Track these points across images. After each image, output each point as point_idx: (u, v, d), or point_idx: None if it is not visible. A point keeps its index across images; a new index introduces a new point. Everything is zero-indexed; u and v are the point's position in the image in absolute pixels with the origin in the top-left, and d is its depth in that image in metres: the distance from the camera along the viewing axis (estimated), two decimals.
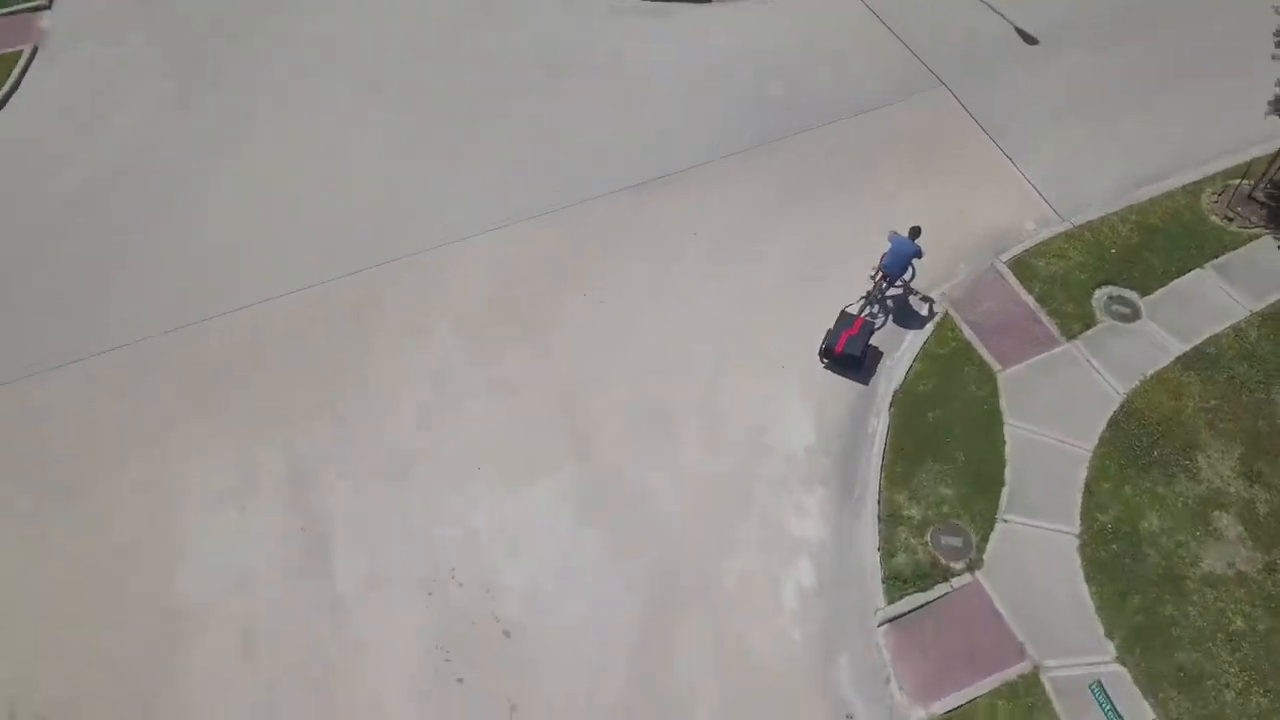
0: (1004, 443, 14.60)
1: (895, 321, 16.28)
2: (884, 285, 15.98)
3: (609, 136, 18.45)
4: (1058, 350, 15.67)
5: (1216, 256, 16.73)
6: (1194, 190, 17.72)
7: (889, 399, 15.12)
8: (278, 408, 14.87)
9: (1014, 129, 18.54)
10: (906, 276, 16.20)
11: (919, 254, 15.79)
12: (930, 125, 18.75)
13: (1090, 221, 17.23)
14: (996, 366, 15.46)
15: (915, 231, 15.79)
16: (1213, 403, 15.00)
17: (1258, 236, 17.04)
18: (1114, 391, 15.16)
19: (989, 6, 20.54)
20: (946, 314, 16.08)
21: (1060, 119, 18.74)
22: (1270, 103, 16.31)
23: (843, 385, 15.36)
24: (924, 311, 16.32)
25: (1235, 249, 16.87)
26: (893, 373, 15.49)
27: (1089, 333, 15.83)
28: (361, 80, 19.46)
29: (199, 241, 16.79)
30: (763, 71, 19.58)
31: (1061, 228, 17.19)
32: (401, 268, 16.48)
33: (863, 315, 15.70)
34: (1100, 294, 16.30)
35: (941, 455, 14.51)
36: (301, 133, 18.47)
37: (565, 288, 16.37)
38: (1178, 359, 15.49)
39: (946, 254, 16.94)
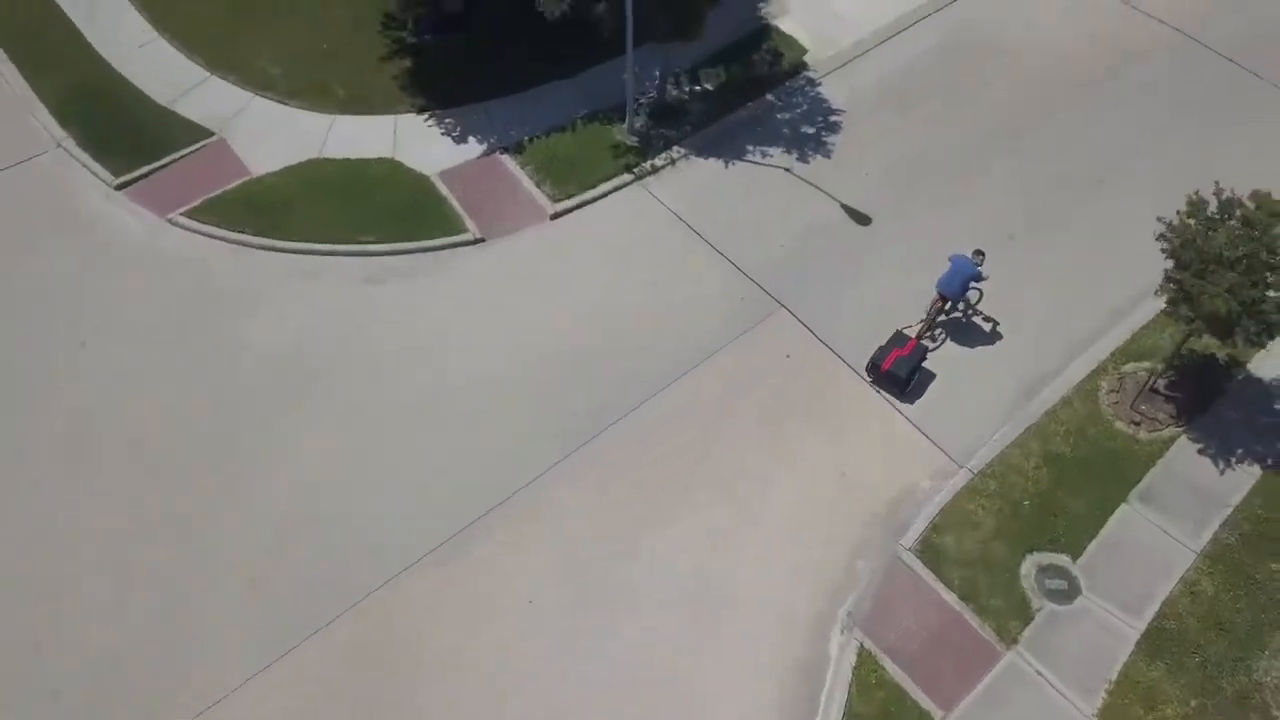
0: None
1: (954, 342, 15.71)
2: (943, 307, 15.43)
3: (391, 478, 14.09)
4: (1001, 665, 12.80)
5: (1138, 481, 14.29)
6: (1089, 390, 15.24)
7: None
8: None
9: (871, 348, 15.44)
10: (973, 299, 15.73)
11: (979, 277, 15.28)
12: (776, 363, 15.47)
13: (991, 463, 14.45)
14: (939, 713, 12.38)
15: (979, 254, 15.28)
16: (1194, 703, 12.43)
17: (1172, 440, 14.71)
18: (1081, 715, 12.35)
19: (812, 185, 17.48)
20: (862, 647, 12.85)
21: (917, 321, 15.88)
22: (1157, 292, 13.90)
23: None
24: (988, 330, 15.82)
25: (1153, 464, 14.48)
26: None
27: (1029, 630, 13.03)
28: (47, 460, 14.12)
29: None
30: (566, 334, 15.63)
31: (962, 479, 14.33)
32: None
33: (917, 337, 15.12)
34: (1028, 567, 13.54)
35: None
36: None
37: None
38: (1138, 646, 12.92)
39: (836, 546, 13.80)
